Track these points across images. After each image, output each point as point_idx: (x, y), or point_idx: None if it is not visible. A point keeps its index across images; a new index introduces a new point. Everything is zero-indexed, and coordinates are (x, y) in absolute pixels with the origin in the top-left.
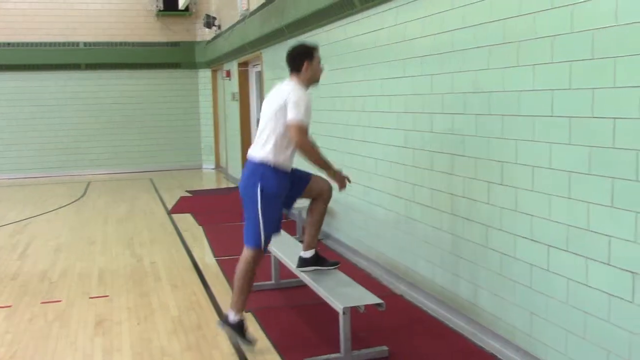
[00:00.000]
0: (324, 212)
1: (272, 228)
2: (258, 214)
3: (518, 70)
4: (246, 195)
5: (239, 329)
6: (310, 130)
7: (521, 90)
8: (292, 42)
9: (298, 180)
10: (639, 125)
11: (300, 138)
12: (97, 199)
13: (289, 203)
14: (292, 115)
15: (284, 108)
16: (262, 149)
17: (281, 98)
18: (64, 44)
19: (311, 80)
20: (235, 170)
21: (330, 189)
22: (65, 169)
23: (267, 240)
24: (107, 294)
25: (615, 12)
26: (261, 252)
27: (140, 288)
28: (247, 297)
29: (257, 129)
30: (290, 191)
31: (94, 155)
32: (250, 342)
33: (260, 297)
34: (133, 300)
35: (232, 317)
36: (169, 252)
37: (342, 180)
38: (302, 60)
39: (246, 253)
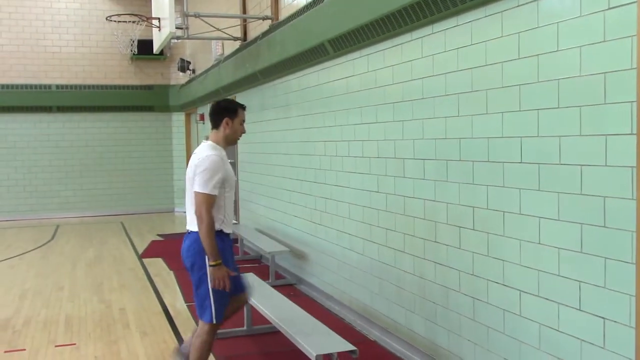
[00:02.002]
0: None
1: (226, 297)
2: (208, 287)
3: (487, 118)
4: (193, 266)
5: None
6: (281, 172)
7: (490, 137)
8: (266, 87)
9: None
10: (604, 172)
11: (202, 210)
12: (65, 243)
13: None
14: (197, 186)
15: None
16: (196, 220)
17: (193, 166)
18: (35, 86)
19: (228, 140)
20: None
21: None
22: (33, 212)
23: (221, 310)
24: (73, 342)
25: (579, 63)
26: (217, 326)
27: (108, 336)
28: None
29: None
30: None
31: (64, 198)
32: None
33: (232, 344)
34: (101, 349)
35: None
36: (139, 297)
37: (221, 278)
38: (222, 117)
39: (201, 328)
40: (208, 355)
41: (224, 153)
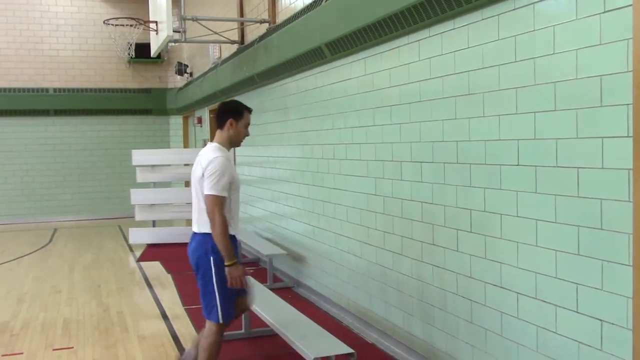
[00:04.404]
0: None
1: (232, 298)
2: (215, 287)
3: (484, 121)
4: (199, 267)
5: None
6: (278, 175)
7: (487, 140)
8: (263, 90)
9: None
10: (601, 174)
11: (214, 212)
12: (63, 246)
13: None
14: (207, 189)
15: (203, 179)
16: (202, 221)
17: (200, 169)
18: (33, 89)
19: (232, 141)
20: None
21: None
22: (31, 215)
23: (229, 311)
24: (71, 346)
25: (575, 66)
26: (224, 326)
27: (106, 339)
28: None
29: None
30: None
31: (61, 202)
32: None
33: (230, 347)
34: (99, 352)
35: None
36: (137, 301)
37: (237, 277)
38: (227, 118)
39: (209, 329)
40: (217, 356)
41: (229, 154)
